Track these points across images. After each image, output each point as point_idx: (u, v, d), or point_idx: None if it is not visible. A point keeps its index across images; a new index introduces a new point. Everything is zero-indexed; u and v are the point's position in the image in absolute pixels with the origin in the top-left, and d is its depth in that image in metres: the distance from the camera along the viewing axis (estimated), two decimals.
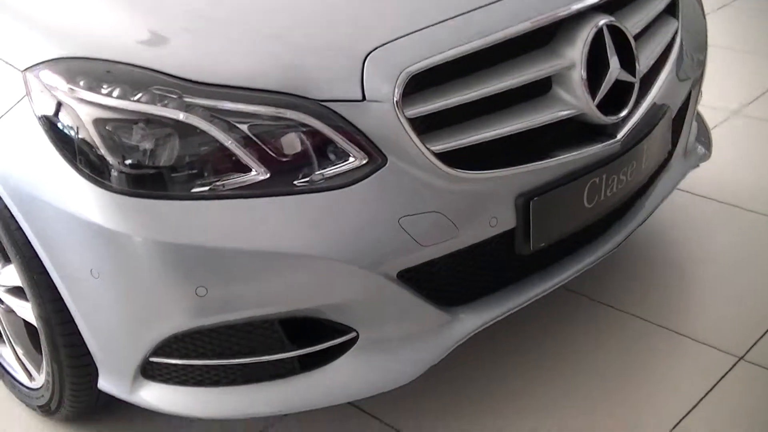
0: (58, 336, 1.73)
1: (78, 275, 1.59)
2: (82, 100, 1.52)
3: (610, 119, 1.81)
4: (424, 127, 1.61)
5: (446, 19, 1.65)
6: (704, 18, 2.37)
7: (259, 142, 1.53)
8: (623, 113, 1.83)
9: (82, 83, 1.52)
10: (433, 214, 1.63)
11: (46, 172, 1.56)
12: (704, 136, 2.43)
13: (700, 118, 2.52)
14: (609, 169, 1.84)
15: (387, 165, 1.59)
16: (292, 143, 1.56)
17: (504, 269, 1.82)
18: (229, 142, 1.52)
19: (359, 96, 1.55)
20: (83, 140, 1.52)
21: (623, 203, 2.00)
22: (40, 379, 1.92)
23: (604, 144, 1.82)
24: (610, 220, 2.01)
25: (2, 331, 2.02)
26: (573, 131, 1.81)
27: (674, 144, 2.22)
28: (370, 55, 1.56)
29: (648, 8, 1.97)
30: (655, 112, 1.98)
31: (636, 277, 2.33)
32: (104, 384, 1.71)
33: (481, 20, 1.67)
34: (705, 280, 2.32)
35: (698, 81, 2.26)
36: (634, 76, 1.84)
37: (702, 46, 2.28)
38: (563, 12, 1.74)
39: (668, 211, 2.56)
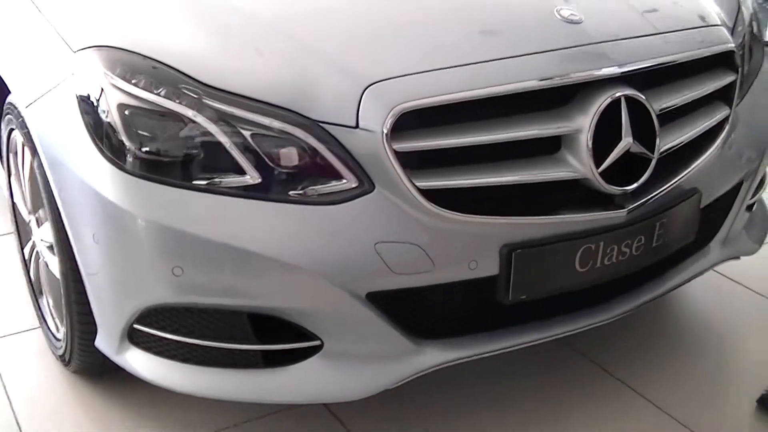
0: (72, 292, 1.98)
1: (84, 238, 1.83)
2: (113, 86, 1.76)
3: (615, 190, 1.88)
4: (416, 162, 1.75)
5: (455, 66, 1.79)
6: None
7: (258, 150, 1.73)
8: (631, 186, 1.90)
9: (117, 71, 1.77)
10: (409, 245, 1.77)
11: (74, 143, 1.81)
12: (759, 229, 2.44)
13: (762, 211, 2.52)
14: (608, 239, 1.91)
15: (374, 191, 1.74)
16: (289, 156, 1.74)
17: (481, 314, 1.92)
18: (228, 145, 1.72)
19: (353, 123, 1.72)
20: (108, 122, 1.76)
21: (631, 277, 2.06)
22: (62, 331, 2.18)
23: (604, 213, 1.89)
24: (612, 290, 2.07)
25: (42, 283, 2.31)
26: (583, 196, 1.90)
27: (714, 230, 2.25)
28: (371, 87, 1.73)
29: (683, 90, 2.02)
30: (679, 194, 2.03)
31: (658, 360, 2.36)
32: (99, 342, 1.94)
33: (489, 72, 1.80)
34: (729, 379, 2.32)
35: (752, 174, 2.28)
36: (653, 152, 1.91)
37: (761, 142, 2.29)
38: (576, 77, 1.85)
39: (713, 298, 2.57)
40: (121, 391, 2.18)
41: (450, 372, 2.13)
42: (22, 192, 2.31)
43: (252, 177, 1.72)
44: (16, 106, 2.08)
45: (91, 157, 1.77)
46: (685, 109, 2.07)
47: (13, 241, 2.53)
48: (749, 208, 2.44)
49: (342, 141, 1.72)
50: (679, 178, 2.03)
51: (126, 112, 1.73)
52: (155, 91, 1.73)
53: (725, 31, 2.18)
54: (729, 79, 2.15)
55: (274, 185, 1.73)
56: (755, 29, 2.47)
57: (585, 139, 1.83)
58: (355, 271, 1.75)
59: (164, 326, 1.82)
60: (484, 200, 1.81)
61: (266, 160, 1.72)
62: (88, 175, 1.78)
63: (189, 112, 1.71)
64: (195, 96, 1.72)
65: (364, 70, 1.75)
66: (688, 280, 2.22)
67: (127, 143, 1.73)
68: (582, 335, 2.27)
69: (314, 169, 1.74)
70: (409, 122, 1.74)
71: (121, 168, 1.73)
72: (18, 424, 2.07)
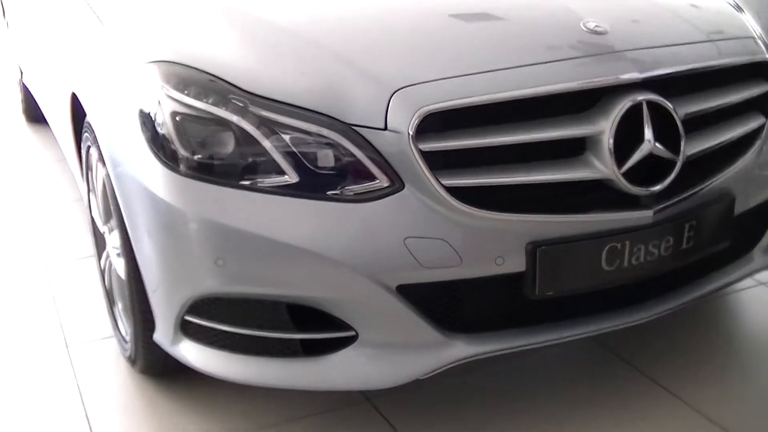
0: (135, 292, 2.20)
1: (141, 236, 2.05)
2: (168, 96, 1.99)
3: (639, 190, 2.00)
4: (443, 162, 1.92)
5: (477, 72, 1.95)
6: None
7: (297, 152, 1.92)
8: (655, 188, 2.01)
9: (172, 83, 2.00)
10: (437, 241, 1.92)
11: (133, 150, 2.04)
12: None
13: None
14: (634, 238, 2.02)
15: (403, 190, 1.91)
16: (325, 158, 1.93)
17: (510, 310, 2.05)
18: (269, 147, 1.92)
19: (382, 125, 1.90)
20: (162, 128, 1.98)
21: (667, 278, 2.15)
22: (129, 332, 2.40)
23: (629, 212, 2.01)
24: (647, 290, 2.17)
25: (114, 290, 2.55)
26: (610, 197, 2.02)
27: (756, 238, 2.33)
28: (399, 91, 1.91)
29: (712, 98, 2.13)
30: (711, 198, 2.13)
31: (705, 368, 2.43)
32: (157, 336, 2.15)
33: (511, 78, 1.96)
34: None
35: None
36: (678, 155, 2.02)
37: None
38: (597, 82, 1.99)
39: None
40: (181, 390, 2.37)
41: (489, 376, 2.30)
42: (98, 205, 2.56)
43: (291, 177, 1.91)
44: (91, 123, 2.34)
45: (147, 160, 2.00)
46: (717, 116, 2.17)
47: (94, 262, 2.79)
48: None
49: (373, 142, 1.90)
50: (709, 182, 2.12)
51: (177, 119, 1.96)
52: (204, 100, 1.95)
53: (758, 42, 2.28)
54: (762, 89, 2.25)
55: (311, 184, 1.92)
56: None
57: (606, 141, 1.96)
58: (386, 264, 1.91)
59: (212, 316, 2.01)
60: (510, 198, 1.95)
61: (304, 161, 1.92)
62: (145, 177, 2.00)
63: (234, 118, 1.92)
64: (240, 104, 1.93)
65: (392, 77, 1.94)
66: (728, 285, 2.30)
67: (179, 147, 1.95)
68: (629, 342, 2.43)
69: (348, 170, 1.92)
70: (435, 124, 1.91)
71: (173, 170, 1.95)
72: (88, 421, 2.28)
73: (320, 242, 1.89)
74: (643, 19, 2.24)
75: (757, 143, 2.23)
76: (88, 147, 2.48)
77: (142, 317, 2.20)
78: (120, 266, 2.32)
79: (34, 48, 3.61)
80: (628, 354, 2.47)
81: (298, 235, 1.89)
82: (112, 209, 2.25)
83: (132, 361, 2.41)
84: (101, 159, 2.29)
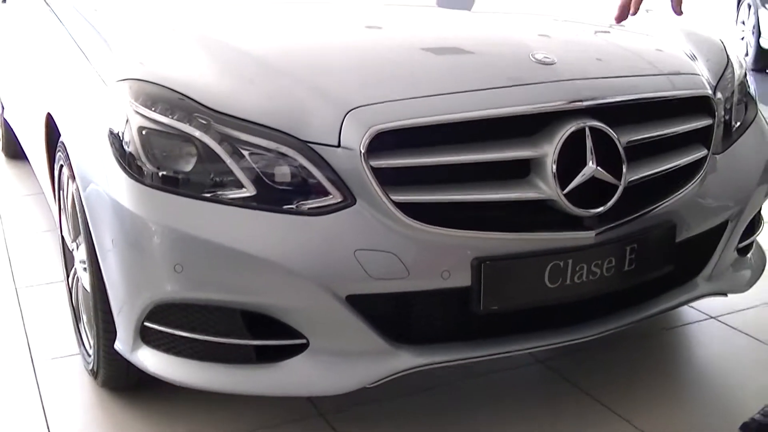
0: (99, 302, 2.31)
1: (105, 244, 2.17)
2: (135, 112, 2.13)
3: (581, 212, 2.14)
4: (395, 179, 2.05)
5: (427, 95, 2.10)
6: None
7: (255, 167, 2.06)
8: (597, 210, 2.15)
9: (140, 100, 2.14)
10: (386, 254, 2.05)
11: (101, 163, 2.18)
12: (751, 272, 2.63)
13: (759, 253, 2.72)
14: (577, 257, 2.15)
15: (355, 205, 2.05)
16: (282, 173, 2.07)
17: (456, 323, 2.17)
18: (228, 161, 2.06)
19: (336, 143, 2.04)
20: (129, 143, 2.12)
21: (612, 299, 2.29)
22: (92, 344, 2.51)
23: (571, 233, 2.14)
24: (590, 310, 2.29)
25: (80, 305, 2.66)
26: (555, 217, 2.15)
27: (700, 265, 2.47)
28: (352, 111, 2.05)
29: (654, 128, 2.28)
30: (652, 224, 2.27)
31: (648, 390, 2.54)
32: (118, 344, 2.26)
33: (460, 101, 2.10)
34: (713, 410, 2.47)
35: (735, 217, 2.49)
36: (619, 179, 2.17)
37: (745, 189, 2.50)
38: (541, 107, 2.14)
39: (709, 341, 2.76)
40: (141, 403, 2.47)
41: (446, 395, 2.43)
42: (67, 222, 2.69)
43: (249, 190, 2.05)
44: (64, 141, 2.48)
45: (114, 173, 2.13)
46: (660, 146, 2.31)
47: (62, 286, 2.90)
48: (742, 251, 2.63)
49: (327, 159, 2.04)
50: (651, 208, 2.26)
51: (144, 133, 2.09)
52: (170, 116, 2.09)
53: (701, 79, 2.44)
54: (704, 123, 2.40)
55: (268, 198, 2.05)
56: (749, 88, 2.72)
57: (550, 164, 2.10)
58: (336, 274, 2.04)
59: (170, 323, 2.13)
60: (457, 215, 2.08)
61: (262, 176, 2.05)
62: (111, 188, 2.13)
63: (197, 133, 2.06)
64: (204, 121, 2.07)
65: (347, 99, 2.08)
66: (671, 308, 2.43)
67: (144, 160, 2.09)
68: (585, 370, 2.56)
69: (303, 185, 2.06)
70: (386, 143, 2.05)
71: (138, 181, 2.08)
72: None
73: (274, 252, 2.02)
74: (591, 52, 2.40)
75: (700, 174, 2.38)
76: (61, 166, 2.62)
77: (105, 327, 2.31)
78: (86, 279, 2.44)
79: (13, 78, 3.76)
80: (582, 381, 2.58)
81: (254, 245, 2.02)
82: (80, 222, 2.37)
83: (94, 373, 2.51)
84: (72, 176, 2.42)
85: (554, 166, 2.10)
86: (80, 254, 2.50)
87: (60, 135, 2.56)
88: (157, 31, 2.47)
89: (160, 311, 2.12)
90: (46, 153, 2.89)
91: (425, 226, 2.05)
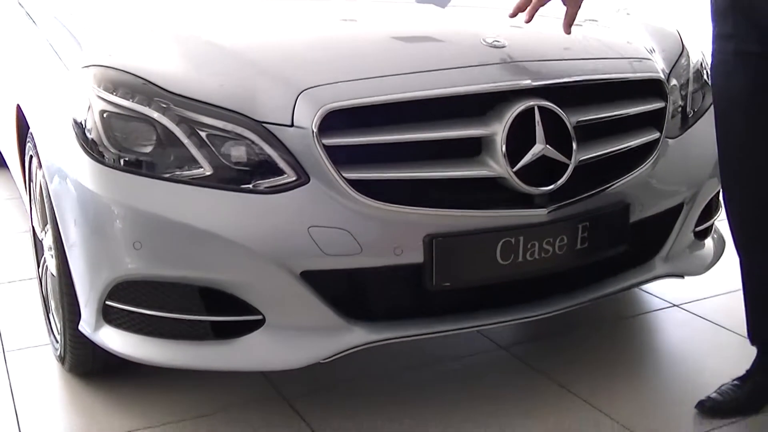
0: (64, 285, 2.40)
1: (68, 226, 2.25)
2: (97, 97, 2.21)
3: (531, 190, 2.22)
4: (346, 157, 2.14)
5: (378, 76, 2.19)
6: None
7: (212, 147, 2.15)
8: (547, 188, 2.23)
9: (102, 85, 2.23)
10: (339, 230, 2.13)
11: (64, 147, 2.26)
12: (705, 253, 2.71)
13: (718, 238, 2.80)
14: (528, 234, 2.23)
15: (309, 183, 2.13)
16: (238, 152, 2.15)
17: (410, 300, 2.25)
18: (186, 141, 2.14)
19: (289, 122, 2.13)
20: (91, 125, 2.21)
21: (566, 278, 2.36)
22: (59, 329, 2.59)
23: (522, 210, 2.23)
24: (545, 288, 2.37)
25: (49, 294, 2.73)
26: (508, 196, 2.23)
27: (656, 247, 2.55)
28: (304, 91, 2.14)
29: (605, 109, 2.37)
30: (605, 203, 2.35)
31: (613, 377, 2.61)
32: (82, 324, 2.33)
33: (410, 81, 2.19)
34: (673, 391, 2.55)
35: (690, 200, 2.58)
36: (569, 158, 2.25)
37: (699, 173, 2.59)
38: (489, 87, 2.22)
39: (672, 328, 2.84)
40: (107, 389, 2.55)
41: (409, 380, 2.52)
42: (36, 211, 2.77)
43: (206, 169, 2.13)
44: (32, 131, 2.57)
45: (77, 155, 2.21)
46: (612, 127, 2.40)
47: (34, 283, 2.98)
48: (699, 234, 2.72)
49: (281, 138, 2.13)
50: (603, 188, 2.34)
51: (105, 116, 2.18)
52: (131, 99, 2.18)
53: (653, 64, 2.53)
54: (656, 105, 2.49)
55: (224, 177, 2.14)
56: (705, 75, 2.81)
57: (500, 142, 2.18)
58: (290, 250, 2.12)
59: (130, 301, 2.20)
60: (410, 193, 2.16)
61: (218, 155, 2.14)
62: (74, 170, 2.22)
63: (155, 114, 2.15)
64: (163, 103, 2.16)
65: (300, 80, 2.17)
66: (628, 288, 2.52)
67: (104, 141, 2.17)
68: (551, 358, 2.64)
69: (258, 164, 2.14)
70: (338, 122, 2.13)
71: (99, 162, 2.17)
72: (18, 423, 2.44)
73: (230, 228, 2.10)
74: (542, 37, 2.49)
75: (652, 156, 2.46)
76: (30, 157, 2.70)
77: (70, 309, 2.39)
78: (53, 264, 2.52)
79: None
80: (543, 366, 2.66)
81: (209, 222, 2.10)
82: (47, 209, 2.46)
83: (62, 359, 2.59)
84: (39, 164, 2.50)
85: (504, 144, 2.18)
86: (47, 240, 2.58)
87: (29, 127, 2.64)
88: (124, 27, 2.57)
89: (121, 289, 2.20)
90: (17, 145, 2.98)
91: (377, 203, 2.13)
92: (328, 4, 2.87)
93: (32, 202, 2.84)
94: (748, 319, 2.39)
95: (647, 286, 3.14)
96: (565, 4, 2.37)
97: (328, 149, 2.11)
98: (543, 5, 2.33)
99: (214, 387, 2.52)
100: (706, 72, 2.81)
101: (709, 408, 2.37)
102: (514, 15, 2.37)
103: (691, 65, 2.74)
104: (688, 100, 2.68)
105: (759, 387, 2.39)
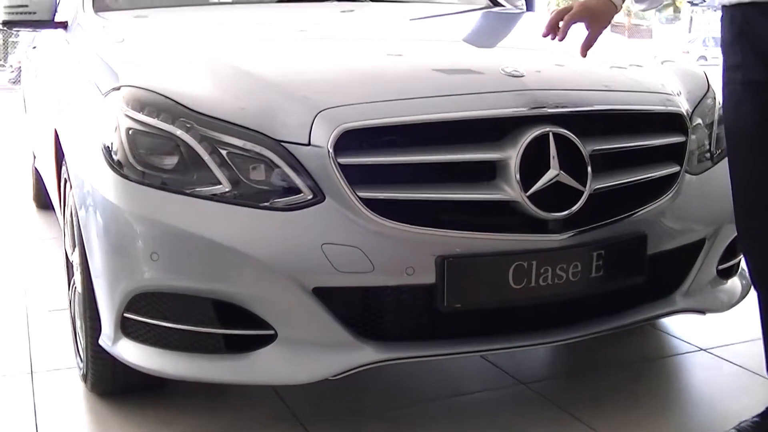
0: (87, 300, 2.49)
1: (92, 238, 2.35)
2: (125, 115, 2.33)
3: (545, 215, 2.26)
4: (361, 176, 2.21)
5: (395, 99, 2.28)
6: None
7: (231, 164, 2.24)
8: (561, 214, 2.28)
9: (131, 104, 2.35)
10: (352, 248, 2.19)
11: (90, 161, 2.38)
12: (727, 291, 2.71)
13: (743, 278, 2.80)
14: (541, 259, 2.26)
15: (324, 201, 2.21)
16: (256, 170, 2.24)
17: (421, 320, 2.29)
18: (207, 159, 2.24)
19: (306, 141, 2.21)
20: (117, 142, 2.32)
21: (576, 304, 2.39)
22: (82, 347, 2.68)
23: (536, 235, 2.27)
24: (561, 316, 2.40)
25: (76, 318, 2.83)
26: (521, 220, 2.27)
27: (678, 280, 2.57)
28: (322, 111, 2.23)
29: (623, 140, 2.42)
30: (622, 233, 2.38)
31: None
32: (102, 338, 2.42)
33: (426, 104, 2.27)
34: None
35: (713, 237, 2.59)
36: (584, 185, 2.30)
37: (721, 210, 2.57)
38: (505, 113, 2.29)
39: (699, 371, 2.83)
40: (127, 410, 2.62)
41: (427, 410, 2.56)
42: (69, 233, 2.88)
43: (224, 186, 2.22)
44: (64, 152, 2.69)
45: (101, 170, 2.32)
46: (630, 158, 2.44)
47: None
48: (723, 273, 2.72)
49: (298, 157, 2.21)
50: (620, 217, 2.38)
51: (131, 133, 2.29)
52: (156, 117, 2.29)
53: (674, 98, 2.58)
54: (677, 139, 2.53)
55: (242, 193, 2.23)
56: None
57: (513, 167, 2.24)
58: (303, 266, 2.18)
59: (147, 312, 2.28)
60: (423, 214, 2.22)
61: (237, 173, 2.23)
62: (99, 185, 2.33)
63: (178, 132, 2.26)
64: (187, 121, 2.26)
65: (319, 101, 2.27)
66: (645, 321, 2.54)
67: (130, 157, 2.28)
68: (569, 394, 2.65)
69: (275, 182, 2.23)
70: (355, 142, 2.21)
71: (122, 176, 2.27)
72: None
73: (245, 243, 2.18)
74: (561, 69, 2.55)
75: (672, 189, 2.49)
76: (65, 180, 2.82)
77: (92, 324, 2.48)
78: (78, 281, 2.62)
79: (40, 122, 4.03)
80: (572, 406, 2.64)
81: (225, 235, 2.19)
82: (75, 228, 2.56)
83: (85, 377, 2.67)
84: (71, 186, 2.62)
85: (518, 169, 2.23)
86: (75, 258, 2.68)
87: (64, 151, 2.76)
88: (157, 57, 2.70)
89: (139, 301, 2.28)
90: (55, 170, 3.10)
91: (391, 223, 2.19)
92: (350, 31, 2.99)
93: (65, 225, 2.95)
94: (767, 354, 2.38)
95: (674, 330, 3.14)
96: (587, 28, 2.43)
97: (343, 168, 2.18)
98: (574, 23, 2.40)
99: (232, 407, 2.58)
100: None
101: None
102: (546, 35, 2.45)
103: (717, 106, 2.77)
104: (713, 139, 2.71)
105: None
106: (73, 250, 2.79)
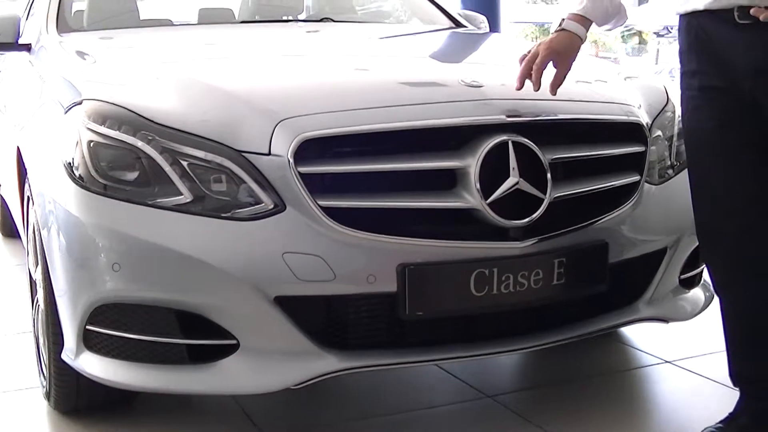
0: (50, 314, 2.49)
1: (53, 252, 2.36)
2: (87, 128, 2.35)
3: (505, 223, 2.29)
4: (322, 185, 2.23)
5: (354, 109, 2.31)
6: None
7: (192, 175, 2.26)
8: (521, 222, 2.31)
9: (92, 117, 2.36)
10: (313, 257, 2.21)
11: (52, 176, 2.40)
12: (690, 300, 2.74)
13: (706, 289, 2.83)
14: (502, 266, 2.29)
15: (285, 211, 2.23)
16: (217, 181, 2.27)
17: (383, 329, 2.30)
18: (168, 170, 2.26)
19: (266, 151, 2.24)
20: (79, 156, 2.33)
21: (539, 312, 2.42)
22: (45, 363, 2.67)
23: (496, 242, 2.30)
24: (524, 323, 2.43)
25: (39, 336, 2.82)
26: (482, 228, 2.29)
27: (640, 289, 2.61)
28: (282, 121, 2.26)
29: (582, 149, 2.46)
30: (583, 241, 2.41)
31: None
32: (65, 353, 2.41)
33: (384, 114, 2.31)
34: None
35: (674, 246, 2.63)
36: (544, 193, 2.33)
37: (681, 220, 2.60)
38: (467, 122, 2.33)
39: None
40: (94, 427, 2.61)
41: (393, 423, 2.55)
42: (31, 251, 2.88)
43: (186, 196, 2.24)
44: (26, 169, 2.70)
45: (62, 183, 2.33)
46: (590, 166, 2.48)
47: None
48: (685, 283, 2.76)
49: (258, 167, 2.24)
50: (580, 225, 2.41)
51: (92, 145, 2.31)
52: (117, 129, 2.31)
53: (633, 109, 2.63)
54: (635, 149, 2.57)
55: (203, 204, 2.24)
56: None
57: (473, 174, 2.27)
58: (264, 275, 2.20)
59: (109, 324, 2.29)
60: (384, 222, 2.24)
61: (198, 184, 2.25)
62: (59, 198, 2.34)
63: (139, 143, 2.27)
64: (148, 133, 2.28)
65: (280, 111, 2.30)
66: (609, 329, 2.58)
67: (91, 169, 2.30)
68: (535, 406, 2.68)
69: (236, 192, 2.25)
70: (314, 151, 2.24)
71: (84, 188, 2.29)
72: None
73: (206, 252, 2.20)
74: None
75: (633, 198, 2.53)
76: (28, 198, 2.82)
77: (54, 339, 2.48)
78: (41, 296, 2.61)
79: (4, 144, 4.03)
80: (538, 418, 2.65)
81: (186, 245, 2.20)
82: (37, 244, 2.57)
83: (48, 395, 2.66)
84: (33, 202, 2.63)
85: (477, 177, 2.26)
86: (37, 275, 2.68)
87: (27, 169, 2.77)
88: (118, 68, 2.72)
89: (101, 312, 2.29)
90: (18, 189, 3.11)
91: (352, 231, 2.21)
92: (313, 49, 3.04)
93: (28, 244, 2.95)
94: (730, 360, 2.41)
95: (638, 343, 3.18)
96: (555, 66, 2.43)
97: (303, 177, 2.21)
98: (545, 68, 2.41)
99: (197, 422, 2.59)
100: None
101: None
102: (519, 88, 2.42)
103: (676, 119, 2.82)
104: (673, 150, 2.76)
105: (742, 429, 2.39)
106: (36, 267, 2.79)
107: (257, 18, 4.12)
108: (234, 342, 2.25)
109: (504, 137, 2.30)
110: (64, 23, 3.39)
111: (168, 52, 3.02)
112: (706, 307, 2.81)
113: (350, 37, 3.43)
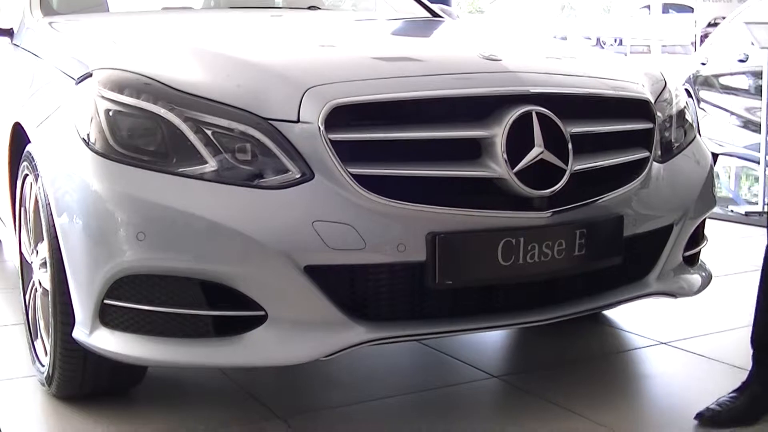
0: (57, 294, 2.37)
1: (69, 227, 2.24)
2: (102, 97, 2.25)
3: (531, 192, 2.26)
4: (352, 153, 2.17)
5: (382, 78, 2.27)
6: (712, 194, 2.82)
7: (217, 144, 2.18)
8: (546, 191, 2.28)
9: (108, 86, 2.27)
10: (343, 225, 2.15)
11: (66, 148, 2.29)
12: (694, 276, 2.76)
13: (705, 267, 2.85)
14: (528, 236, 2.25)
15: (314, 179, 2.16)
16: (242, 149, 2.19)
17: (413, 299, 2.25)
18: (192, 138, 2.18)
19: (295, 118, 2.18)
20: (96, 124, 2.24)
21: (559, 284, 2.40)
22: (48, 348, 2.54)
23: (523, 212, 2.27)
24: (544, 295, 2.40)
25: (38, 320, 2.69)
26: (509, 197, 2.26)
27: (649, 264, 2.60)
28: (310, 89, 2.20)
29: (598, 124, 2.45)
30: (601, 213, 2.40)
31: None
32: (76, 331, 2.30)
33: (412, 83, 2.27)
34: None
35: (680, 221, 2.64)
36: (566, 164, 2.31)
37: (686, 196, 2.67)
38: (492, 92, 2.30)
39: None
40: (94, 413, 2.49)
41: (404, 403, 2.53)
42: (28, 231, 2.75)
43: (211, 165, 2.16)
44: (31, 147, 2.57)
45: (80, 154, 2.23)
46: (606, 142, 2.48)
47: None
48: (688, 260, 2.77)
49: (287, 135, 2.17)
50: (598, 198, 2.40)
51: (110, 114, 2.22)
52: (136, 97, 2.22)
53: (642, 87, 2.64)
54: (645, 125, 2.58)
55: (229, 173, 2.17)
56: (689, 117, 2.93)
57: (500, 144, 2.24)
58: (294, 244, 2.13)
59: (130, 297, 2.18)
60: (414, 190, 2.19)
61: (223, 152, 2.17)
62: (76, 168, 2.23)
63: (161, 111, 2.19)
64: (169, 100, 2.20)
65: (308, 78, 2.23)
66: (623, 302, 2.55)
67: (110, 139, 2.20)
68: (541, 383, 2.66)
69: (263, 161, 2.18)
70: (345, 119, 2.18)
71: (105, 157, 2.19)
72: None
73: (234, 220, 2.12)
74: (539, 54, 2.59)
75: (643, 173, 2.53)
76: (25, 176, 2.69)
77: (62, 319, 2.35)
78: (45, 279, 2.49)
79: None
80: (546, 393, 2.64)
81: (215, 213, 2.12)
82: (42, 219, 2.45)
83: (49, 380, 2.53)
84: (35, 173, 2.50)
85: (504, 146, 2.23)
86: (41, 256, 2.56)
87: (27, 143, 2.63)
88: (125, 40, 2.63)
89: (121, 285, 2.18)
90: (9, 168, 2.97)
91: (382, 199, 2.16)
92: (325, 27, 2.98)
93: (22, 226, 2.82)
94: (754, 326, 2.42)
95: (629, 326, 3.20)
96: None
97: (334, 144, 2.15)
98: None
99: (206, 407, 2.50)
100: (689, 113, 2.93)
101: (708, 418, 2.38)
102: None
103: (674, 102, 2.84)
104: (672, 133, 2.78)
105: (756, 397, 2.41)
106: (34, 247, 2.67)
107: (230, 6, 3.97)
108: (262, 313, 2.16)
109: (528, 107, 2.28)
110: (48, 6, 3.28)
111: (171, 29, 2.93)
112: (706, 285, 2.82)
113: (353, 19, 3.39)
